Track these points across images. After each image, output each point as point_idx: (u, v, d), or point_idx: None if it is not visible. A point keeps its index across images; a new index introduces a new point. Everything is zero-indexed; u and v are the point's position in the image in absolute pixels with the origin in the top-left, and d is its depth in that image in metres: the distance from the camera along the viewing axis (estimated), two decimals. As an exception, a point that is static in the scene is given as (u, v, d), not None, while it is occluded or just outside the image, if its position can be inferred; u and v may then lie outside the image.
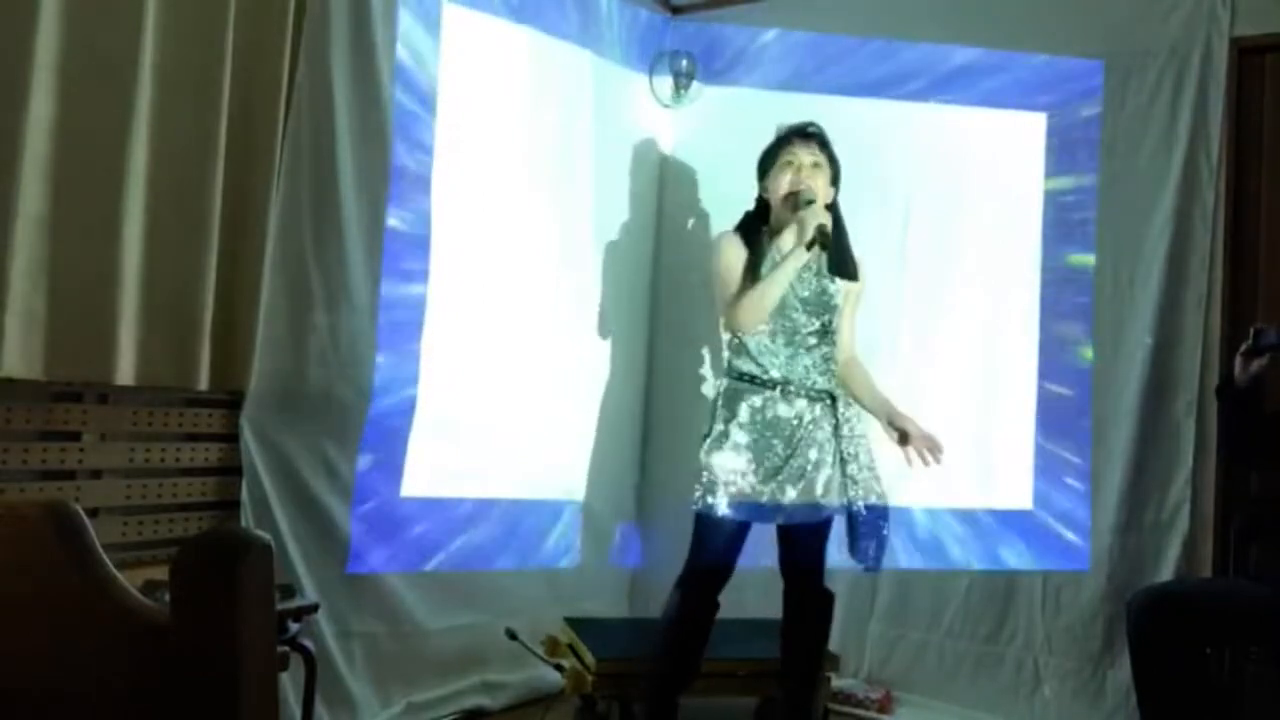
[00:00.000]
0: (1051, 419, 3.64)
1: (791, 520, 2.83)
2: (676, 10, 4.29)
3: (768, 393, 2.84)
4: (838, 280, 2.94)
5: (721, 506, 2.78)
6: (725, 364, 2.95)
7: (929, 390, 3.79)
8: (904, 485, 3.80)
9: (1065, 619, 3.53)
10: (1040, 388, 3.66)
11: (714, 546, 2.84)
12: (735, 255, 2.89)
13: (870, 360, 3.79)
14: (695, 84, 4.17)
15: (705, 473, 2.82)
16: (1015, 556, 3.67)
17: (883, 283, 3.86)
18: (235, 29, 2.79)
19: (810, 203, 2.85)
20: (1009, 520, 3.69)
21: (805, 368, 2.88)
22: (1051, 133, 3.69)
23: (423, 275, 3.34)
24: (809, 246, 2.79)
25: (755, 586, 3.14)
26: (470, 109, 3.47)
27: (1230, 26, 3.40)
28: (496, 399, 3.55)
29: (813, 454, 2.83)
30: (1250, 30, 3.38)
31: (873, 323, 3.84)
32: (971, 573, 3.72)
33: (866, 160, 3.90)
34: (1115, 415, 3.49)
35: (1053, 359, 3.66)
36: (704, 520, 2.83)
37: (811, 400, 2.87)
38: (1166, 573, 3.34)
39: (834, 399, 2.91)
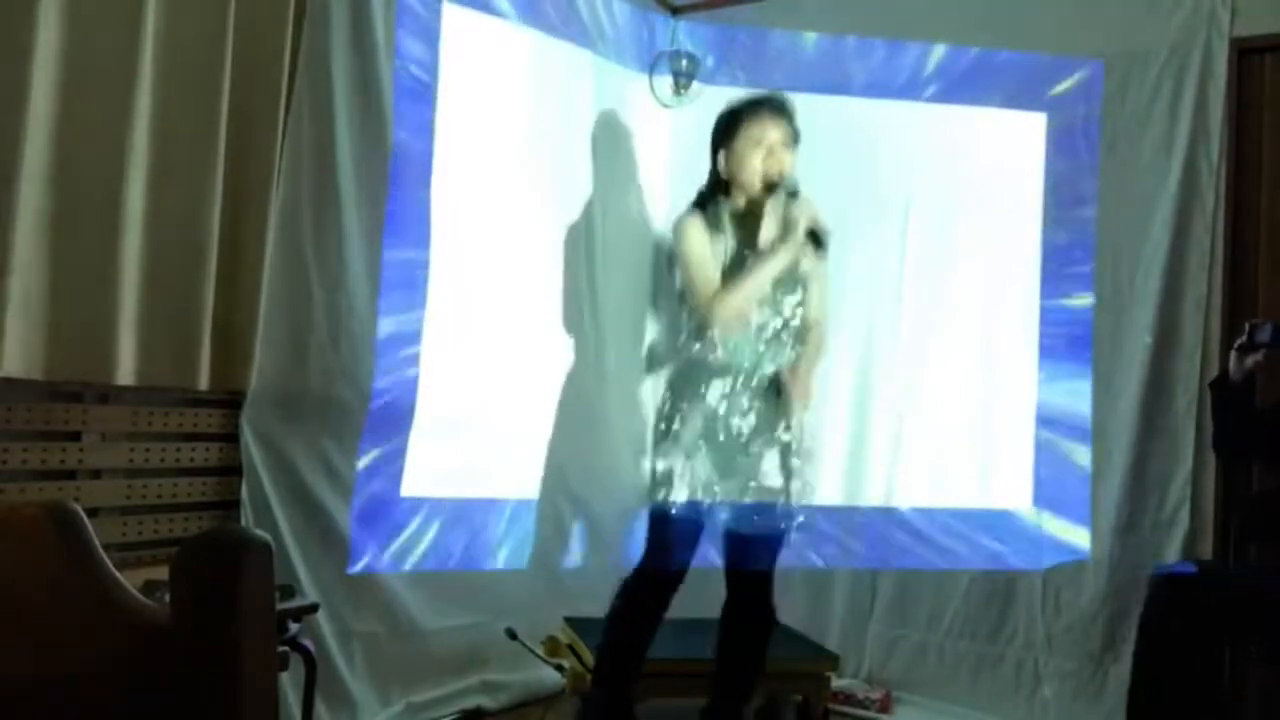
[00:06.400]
0: (1051, 418, 3.64)
1: (741, 527, 2.70)
2: (676, 10, 4.28)
3: (725, 380, 2.72)
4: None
5: (677, 503, 2.66)
6: (680, 346, 2.82)
7: (929, 390, 3.79)
8: (904, 485, 3.83)
9: (1065, 619, 3.53)
10: (1040, 387, 3.67)
11: (665, 547, 2.73)
12: (701, 239, 2.74)
13: (870, 360, 3.82)
14: (695, 84, 4.16)
15: (660, 466, 2.70)
16: (1015, 556, 3.67)
17: (882, 282, 3.87)
18: (235, 29, 2.79)
19: (795, 195, 2.70)
20: (1009, 520, 3.69)
21: (761, 355, 2.74)
22: (1051, 133, 3.69)
23: (423, 275, 3.34)
24: (816, 248, 2.66)
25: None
26: (470, 109, 3.46)
27: (1230, 26, 3.40)
28: (497, 399, 3.54)
29: (761, 460, 2.72)
30: (1250, 30, 3.39)
31: (873, 322, 3.86)
32: (971, 573, 3.72)
33: (866, 160, 3.91)
34: (1115, 415, 3.50)
35: (1052, 359, 3.66)
36: (656, 518, 2.73)
37: (764, 397, 2.75)
38: (1167, 573, 3.34)
39: (780, 390, 2.76)
